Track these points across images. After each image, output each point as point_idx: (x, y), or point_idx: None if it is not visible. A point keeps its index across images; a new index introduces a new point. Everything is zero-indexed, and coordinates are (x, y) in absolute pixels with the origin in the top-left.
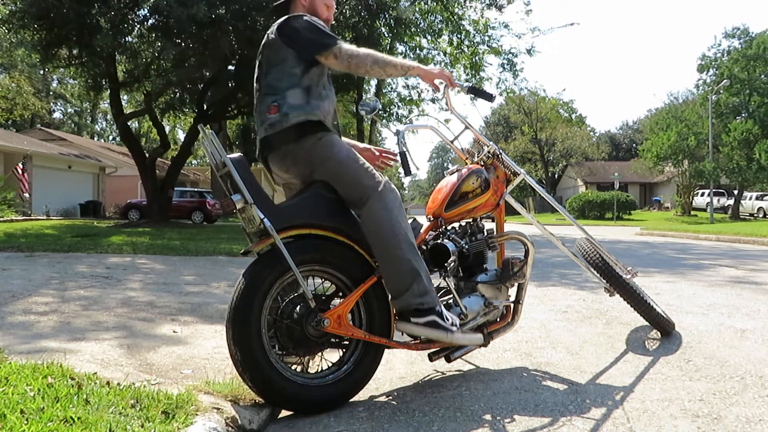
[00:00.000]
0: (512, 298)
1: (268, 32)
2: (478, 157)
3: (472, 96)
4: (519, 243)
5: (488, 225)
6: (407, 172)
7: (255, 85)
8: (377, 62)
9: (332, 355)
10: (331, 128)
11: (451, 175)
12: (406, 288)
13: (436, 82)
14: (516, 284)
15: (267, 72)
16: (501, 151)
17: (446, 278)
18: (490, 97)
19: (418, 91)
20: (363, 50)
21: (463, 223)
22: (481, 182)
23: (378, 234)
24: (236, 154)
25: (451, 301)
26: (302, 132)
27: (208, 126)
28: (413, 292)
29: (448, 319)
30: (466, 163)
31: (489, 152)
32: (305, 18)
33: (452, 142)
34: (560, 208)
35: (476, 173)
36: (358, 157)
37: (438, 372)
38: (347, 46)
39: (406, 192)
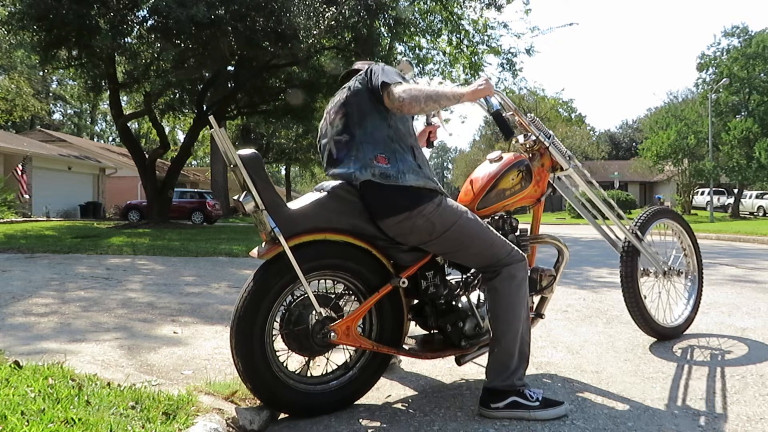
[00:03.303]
0: (534, 309)
1: (352, 83)
2: (524, 139)
3: (492, 120)
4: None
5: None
6: (507, 135)
7: (342, 135)
8: (431, 97)
9: (338, 358)
10: (444, 191)
11: (492, 163)
12: (508, 369)
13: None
14: (540, 296)
15: (360, 121)
16: (553, 139)
17: (469, 292)
18: (509, 133)
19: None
20: (416, 87)
21: (496, 217)
22: (522, 178)
23: (504, 309)
24: (249, 151)
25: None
26: (419, 197)
27: (207, 127)
28: (511, 374)
29: (533, 398)
30: (509, 144)
31: (535, 140)
32: (381, 64)
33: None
34: (607, 211)
35: (518, 166)
36: (483, 222)
37: (439, 372)
38: (403, 85)
39: None
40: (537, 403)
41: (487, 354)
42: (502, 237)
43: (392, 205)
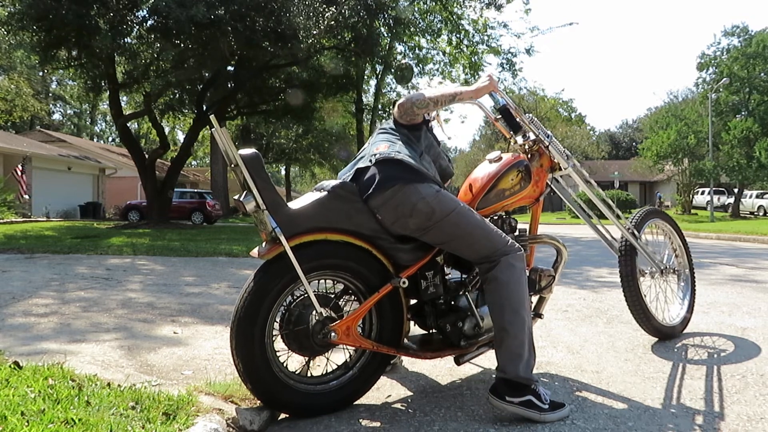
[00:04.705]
0: (533, 309)
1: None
2: (523, 140)
3: (499, 117)
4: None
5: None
6: (515, 129)
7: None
8: (425, 96)
9: (338, 358)
10: (443, 185)
11: (491, 163)
12: (521, 358)
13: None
14: (538, 296)
15: (384, 135)
16: (552, 140)
17: (468, 292)
18: (516, 127)
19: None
20: (414, 93)
21: (495, 217)
22: (521, 178)
23: (508, 297)
24: (250, 151)
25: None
26: (416, 175)
27: (207, 127)
28: (527, 365)
29: (546, 400)
30: (508, 144)
31: (534, 139)
32: None
33: (496, 120)
34: (606, 211)
35: (517, 166)
36: (478, 214)
37: (439, 372)
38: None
39: None
40: (547, 406)
41: (485, 353)
42: (498, 229)
43: (384, 177)
